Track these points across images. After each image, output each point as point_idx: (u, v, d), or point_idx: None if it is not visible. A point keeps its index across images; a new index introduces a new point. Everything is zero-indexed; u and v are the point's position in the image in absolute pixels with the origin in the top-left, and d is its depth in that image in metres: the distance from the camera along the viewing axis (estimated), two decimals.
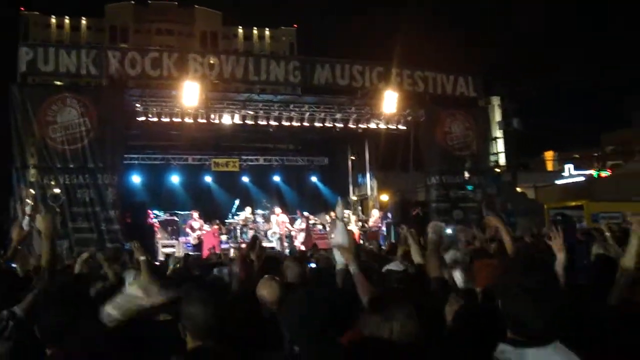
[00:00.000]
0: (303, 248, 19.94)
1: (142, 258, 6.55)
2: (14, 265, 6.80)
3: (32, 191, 17.00)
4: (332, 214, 21.68)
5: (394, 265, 6.03)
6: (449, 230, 9.55)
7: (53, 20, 79.57)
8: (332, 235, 5.82)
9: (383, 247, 16.34)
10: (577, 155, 54.02)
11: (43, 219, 4.84)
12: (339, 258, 5.51)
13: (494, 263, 5.98)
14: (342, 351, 3.50)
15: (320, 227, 23.87)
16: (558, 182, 40.55)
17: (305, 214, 23.73)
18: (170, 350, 3.62)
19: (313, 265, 9.28)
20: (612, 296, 4.30)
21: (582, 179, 41.66)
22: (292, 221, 23.92)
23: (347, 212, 24.22)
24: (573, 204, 23.36)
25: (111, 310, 3.47)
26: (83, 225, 17.10)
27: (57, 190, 17.14)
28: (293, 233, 23.01)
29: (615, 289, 4.33)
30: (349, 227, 22.17)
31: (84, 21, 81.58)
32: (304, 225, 22.99)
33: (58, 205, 16.81)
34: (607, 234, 8.08)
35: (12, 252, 6.11)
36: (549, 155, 56.68)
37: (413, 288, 5.19)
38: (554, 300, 2.80)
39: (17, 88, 17.32)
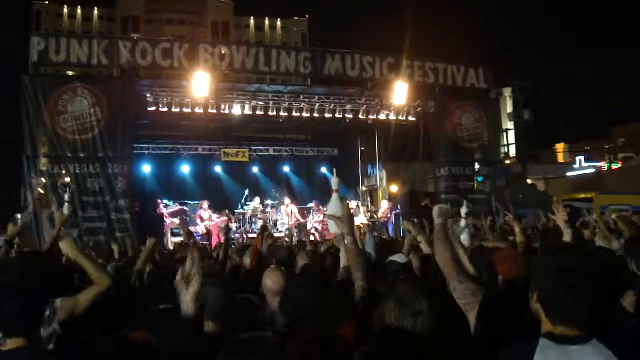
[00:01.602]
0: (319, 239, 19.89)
1: (191, 241, 7.31)
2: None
3: (43, 180, 17.14)
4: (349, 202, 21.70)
5: (398, 257, 5.99)
6: (462, 224, 9.48)
7: (65, 10, 79.74)
8: (327, 207, 5.85)
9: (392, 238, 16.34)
10: (587, 148, 53.85)
11: (64, 243, 4.85)
12: (334, 228, 5.50)
13: (517, 254, 5.57)
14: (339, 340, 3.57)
15: None
16: (568, 174, 40.44)
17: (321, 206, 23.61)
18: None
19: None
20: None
21: (593, 171, 41.54)
22: (302, 212, 23.97)
23: (356, 202, 24.26)
24: (582, 196, 23.30)
25: None
26: (93, 214, 17.19)
27: (67, 179, 17.24)
28: (309, 225, 23.00)
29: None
30: (357, 217, 22.37)
31: (95, 11, 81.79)
32: (320, 217, 22.96)
33: (68, 194, 16.92)
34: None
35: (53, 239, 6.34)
36: (560, 147, 56.47)
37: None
38: (596, 284, 2.64)
39: (29, 78, 17.38)
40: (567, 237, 5.21)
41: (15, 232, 6.52)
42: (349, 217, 4.97)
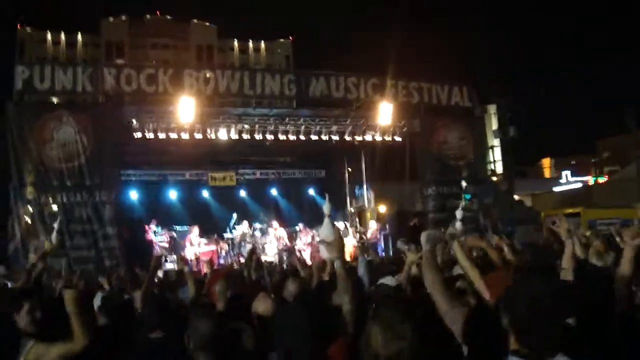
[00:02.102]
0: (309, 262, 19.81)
1: (185, 268, 7.68)
2: None
3: (30, 209, 17.05)
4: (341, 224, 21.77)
5: (388, 280, 5.97)
6: (458, 225, 9.53)
7: (49, 36, 79.62)
8: (319, 231, 5.89)
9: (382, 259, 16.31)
10: (573, 162, 54.19)
11: (69, 294, 4.87)
12: (325, 254, 5.54)
13: (507, 277, 5.63)
14: None
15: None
16: (555, 189, 40.60)
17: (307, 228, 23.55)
18: None
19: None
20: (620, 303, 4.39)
21: (580, 185, 41.73)
22: (290, 235, 23.92)
23: (343, 223, 24.22)
24: (570, 210, 23.33)
25: None
26: (81, 242, 17.09)
27: (54, 208, 17.14)
28: (298, 247, 22.91)
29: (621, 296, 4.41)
30: (346, 238, 22.35)
31: (79, 37, 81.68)
32: (308, 239, 22.88)
33: (58, 223, 16.81)
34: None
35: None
36: (545, 162, 56.83)
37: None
38: (562, 311, 2.88)
39: (13, 106, 17.38)
40: (569, 247, 5.24)
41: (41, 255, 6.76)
42: (340, 241, 5.04)
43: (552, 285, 3.01)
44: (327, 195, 7.20)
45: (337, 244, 5.00)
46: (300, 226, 23.88)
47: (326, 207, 6.50)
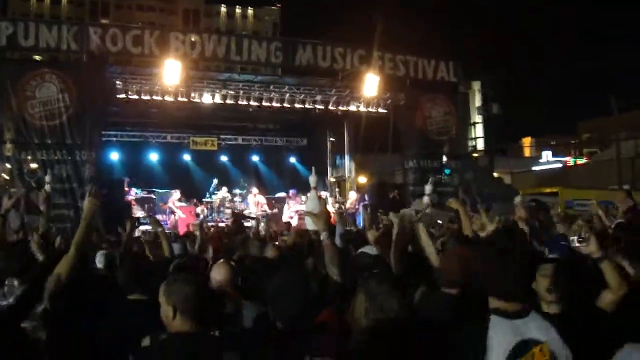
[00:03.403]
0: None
1: (159, 229, 7.32)
2: None
3: (8, 165, 16.98)
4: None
5: (368, 249, 5.97)
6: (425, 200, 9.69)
7: None
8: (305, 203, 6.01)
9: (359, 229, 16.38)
10: (553, 142, 54.46)
11: (89, 202, 4.94)
12: (311, 225, 5.63)
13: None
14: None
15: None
16: (535, 168, 40.87)
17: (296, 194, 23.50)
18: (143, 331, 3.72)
19: None
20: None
21: (559, 165, 42.02)
22: (270, 201, 23.98)
23: (324, 193, 24.28)
24: (548, 190, 23.52)
25: None
26: (60, 201, 16.95)
27: (34, 166, 17.08)
28: (289, 215, 22.83)
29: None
30: (326, 206, 22.41)
31: None
32: (297, 207, 22.79)
33: (34, 180, 16.77)
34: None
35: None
36: (526, 141, 57.06)
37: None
38: (521, 260, 3.22)
39: None
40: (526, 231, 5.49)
41: (9, 205, 6.76)
42: (326, 214, 5.13)
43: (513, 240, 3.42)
44: (313, 168, 7.27)
45: (323, 216, 5.07)
46: (291, 192, 23.81)
47: (312, 180, 6.60)
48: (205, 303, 3.68)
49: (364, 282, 3.51)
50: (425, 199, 8.95)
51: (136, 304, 4.75)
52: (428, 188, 10.51)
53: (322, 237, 4.92)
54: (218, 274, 5.11)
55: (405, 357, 3.15)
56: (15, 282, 5.04)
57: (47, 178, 15.59)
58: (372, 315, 3.27)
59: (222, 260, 5.49)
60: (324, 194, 23.78)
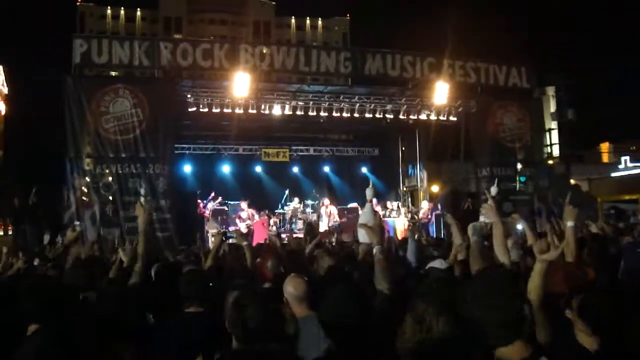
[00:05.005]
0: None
1: (244, 243, 7.34)
2: None
3: (88, 179, 17.41)
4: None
5: (438, 263, 5.85)
6: (519, 227, 9.44)
7: (109, 11, 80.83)
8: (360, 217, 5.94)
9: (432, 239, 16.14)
10: (633, 147, 52.91)
11: (140, 210, 5.06)
12: (363, 237, 5.56)
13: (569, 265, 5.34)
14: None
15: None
16: (613, 174, 39.75)
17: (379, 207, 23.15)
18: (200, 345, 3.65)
19: None
20: None
21: (639, 171, 40.77)
22: (342, 212, 23.90)
23: (396, 203, 24.11)
24: (627, 197, 22.85)
25: None
26: (134, 214, 17.26)
27: (109, 179, 17.43)
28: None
29: None
30: (398, 218, 22.25)
31: (138, 12, 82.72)
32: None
33: (110, 194, 17.12)
34: None
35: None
36: (604, 147, 55.59)
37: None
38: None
39: (72, 79, 17.61)
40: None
41: (73, 238, 7.11)
42: (380, 228, 5.08)
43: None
44: (371, 181, 7.21)
45: (377, 229, 5.02)
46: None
47: (369, 192, 6.52)
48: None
49: (412, 303, 3.35)
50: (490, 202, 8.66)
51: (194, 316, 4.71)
52: (493, 190, 10.31)
53: (374, 251, 4.89)
54: (294, 288, 4.95)
55: None
56: None
57: (142, 191, 15.92)
58: (420, 337, 3.11)
59: (294, 274, 5.36)
60: (395, 203, 23.62)
